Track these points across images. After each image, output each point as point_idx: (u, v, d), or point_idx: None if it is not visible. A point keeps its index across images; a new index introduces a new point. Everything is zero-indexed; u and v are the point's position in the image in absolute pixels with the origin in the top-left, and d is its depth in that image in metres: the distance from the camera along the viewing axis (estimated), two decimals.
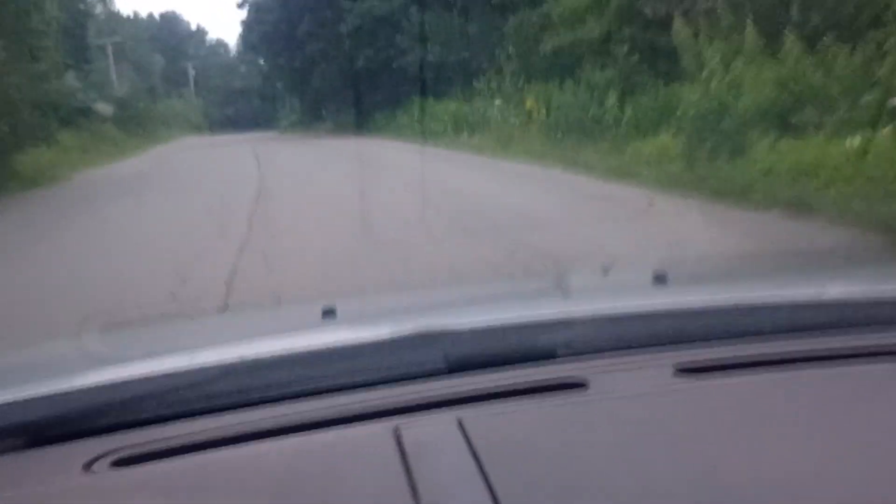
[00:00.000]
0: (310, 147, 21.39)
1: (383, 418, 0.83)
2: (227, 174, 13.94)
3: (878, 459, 0.71)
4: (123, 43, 53.03)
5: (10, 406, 0.87)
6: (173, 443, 0.82)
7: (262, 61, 42.26)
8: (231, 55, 78.86)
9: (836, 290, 1.17)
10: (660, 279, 1.31)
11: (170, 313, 3.77)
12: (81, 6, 38.84)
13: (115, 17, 56.81)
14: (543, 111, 13.95)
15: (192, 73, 68.94)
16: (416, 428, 0.80)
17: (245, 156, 18.75)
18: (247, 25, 36.68)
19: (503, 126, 15.66)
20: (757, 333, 1.00)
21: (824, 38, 8.15)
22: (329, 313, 1.24)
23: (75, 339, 1.44)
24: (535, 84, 15.29)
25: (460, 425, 0.78)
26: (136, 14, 69.91)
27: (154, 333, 1.65)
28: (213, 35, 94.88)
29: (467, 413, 0.82)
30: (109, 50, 43.95)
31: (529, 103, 14.31)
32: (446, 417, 0.81)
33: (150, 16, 72.13)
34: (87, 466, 0.78)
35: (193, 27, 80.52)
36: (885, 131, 6.42)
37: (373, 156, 15.78)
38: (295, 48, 32.17)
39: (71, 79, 28.63)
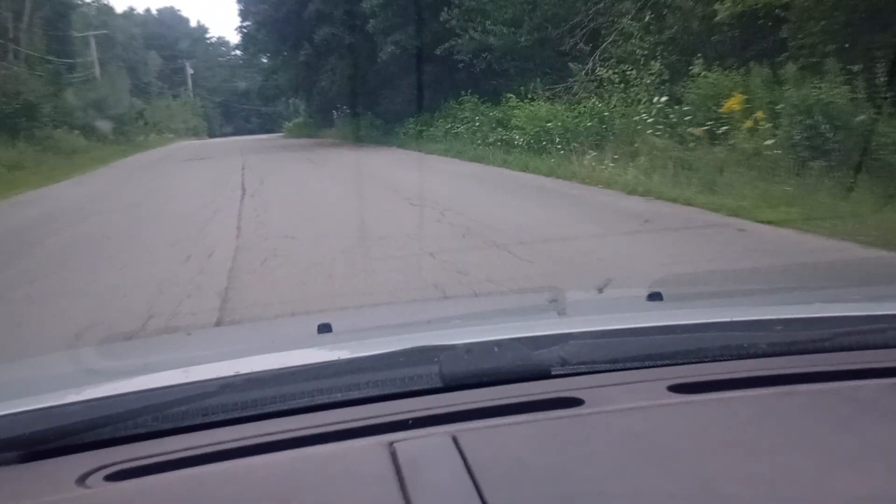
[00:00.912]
0: (316, 167, 15.04)
1: (378, 434, 0.82)
2: (188, 224, 7.70)
3: (868, 476, 0.71)
4: (113, 37, 47.96)
5: (5, 420, 0.87)
6: (168, 457, 0.81)
7: (264, 59, 36.02)
8: (233, 54, 73.79)
9: (828, 309, 1.18)
10: (654, 297, 1.34)
11: (166, 328, 3.50)
12: None
13: (105, 10, 52.00)
14: (765, 120, 7.31)
15: (190, 71, 63.35)
16: (411, 444, 0.79)
17: (228, 180, 12.85)
18: (244, 5, 30.09)
19: (670, 144, 8.77)
20: (750, 351, 1.00)
21: None
22: (325, 328, 1.26)
23: (71, 353, 1.49)
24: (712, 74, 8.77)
25: (455, 442, 0.78)
26: (131, 9, 64.10)
27: (150, 348, 1.69)
28: (214, 33, 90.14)
29: (462, 429, 0.81)
30: (92, 43, 38.13)
31: (733, 102, 7.73)
32: (441, 434, 0.80)
33: (148, 11, 66.84)
34: (81, 480, 0.78)
35: (193, 24, 75.14)
36: None
37: (438, 194, 8.61)
38: (301, 35, 25.73)
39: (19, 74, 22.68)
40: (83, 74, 32.33)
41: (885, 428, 0.80)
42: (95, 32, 40.43)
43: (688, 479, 0.70)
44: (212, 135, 60.49)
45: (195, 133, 55.24)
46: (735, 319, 1.10)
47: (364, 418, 0.85)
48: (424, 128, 19.08)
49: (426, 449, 0.77)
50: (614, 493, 0.69)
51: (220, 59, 74.31)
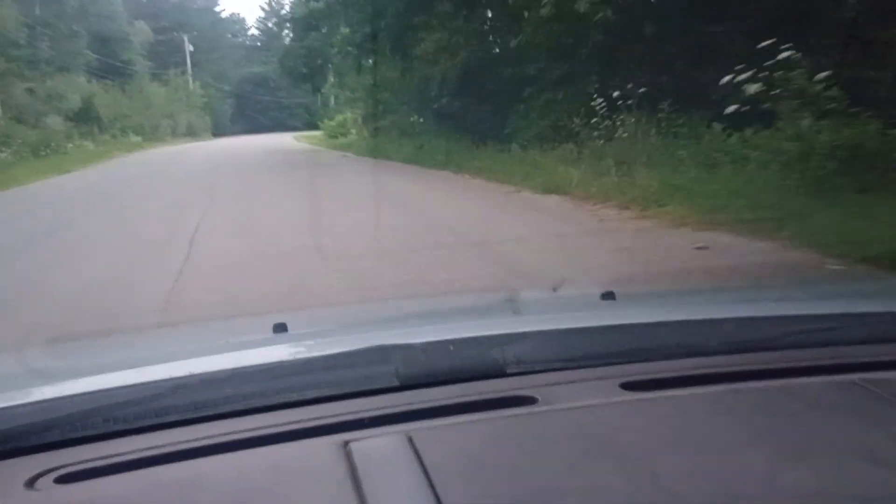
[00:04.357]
0: None
1: (333, 434, 0.82)
2: None
3: (815, 471, 0.72)
4: None
5: None
6: (120, 459, 0.80)
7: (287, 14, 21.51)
8: (248, 33, 57.31)
9: (777, 308, 1.22)
10: (608, 296, 1.34)
11: (118, 328, 3.51)
12: None
13: None
14: None
15: (189, 48, 47.59)
16: (366, 443, 0.79)
17: None
18: None
19: None
20: (701, 349, 1.02)
21: None
22: (280, 328, 1.24)
23: (18, 353, 1.42)
24: None
25: (410, 441, 0.78)
26: None
27: (101, 347, 1.64)
28: (225, 8, 74.52)
29: (417, 428, 0.82)
30: None
31: None
32: (396, 433, 0.81)
33: None
34: (31, 483, 0.76)
35: None
36: None
37: None
38: None
39: None
40: None
41: (831, 423, 0.82)
42: None
43: (640, 475, 0.71)
44: (217, 133, 44.74)
45: (190, 133, 39.93)
46: (687, 318, 1.13)
47: (319, 418, 0.86)
48: None
49: (381, 448, 0.78)
50: (568, 490, 0.70)
51: (232, 38, 58.72)
